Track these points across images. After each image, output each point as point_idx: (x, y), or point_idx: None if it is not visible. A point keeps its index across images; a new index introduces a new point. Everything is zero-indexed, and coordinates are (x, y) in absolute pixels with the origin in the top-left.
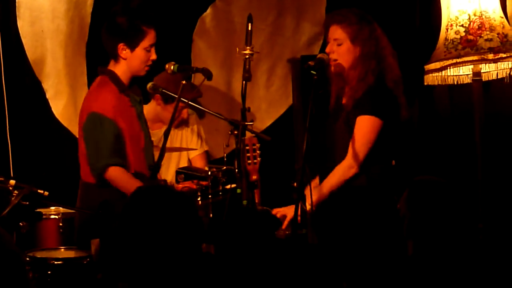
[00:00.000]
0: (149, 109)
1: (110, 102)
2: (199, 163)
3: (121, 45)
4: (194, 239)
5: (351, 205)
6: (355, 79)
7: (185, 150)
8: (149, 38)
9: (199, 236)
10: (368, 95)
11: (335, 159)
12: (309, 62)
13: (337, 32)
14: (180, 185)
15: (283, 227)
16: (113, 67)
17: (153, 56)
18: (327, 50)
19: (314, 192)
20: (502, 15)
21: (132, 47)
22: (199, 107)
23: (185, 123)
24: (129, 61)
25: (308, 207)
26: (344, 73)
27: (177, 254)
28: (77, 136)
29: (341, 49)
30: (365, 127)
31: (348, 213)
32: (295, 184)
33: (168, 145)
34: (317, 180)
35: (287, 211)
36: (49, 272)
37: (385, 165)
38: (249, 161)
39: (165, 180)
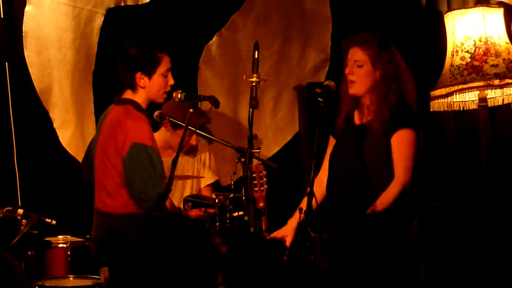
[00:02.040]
0: (158, 136)
1: (147, 130)
2: (209, 193)
3: (138, 74)
4: (210, 269)
5: (365, 233)
6: (376, 101)
7: (193, 178)
8: (165, 63)
9: (215, 266)
10: (395, 112)
11: (348, 178)
12: (316, 89)
13: (358, 54)
14: (193, 213)
15: (287, 244)
16: (131, 96)
17: (171, 81)
18: (346, 71)
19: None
20: (508, 40)
21: (150, 74)
22: (207, 135)
23: (194, 150)
24: (148, 89)
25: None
26: (362, 95)
27: (192, 284)
28: None
29: (361, 71)
30: (405, 143)
31: (361, 241)
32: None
33: (176, 173)
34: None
35: (285, 233)
36: None
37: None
38: (256, 189)
39: (180, 208)
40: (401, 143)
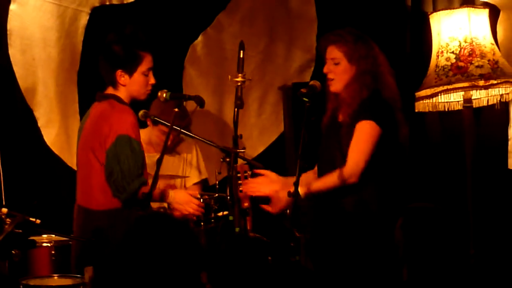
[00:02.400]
0: (146, 132)
1: (132, 122)
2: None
3: (119, 72)
4: (194, 268)
5: (346, 231)
6: (350, 95)
7: (178, 177)
8: (146, 63)
9: (199, 265)
10: (364, 104)
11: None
12: (302, 89)
13: (333, 52)
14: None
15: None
16: (113, 92)
17: (152, 81)
18: (324, 70)
19: (301, 185)
20: (493, 41)
21: (130, 72)
22: (191, 134)
23: (172, 150)
24: (129, 87)
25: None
26: (340, 92)
27: (176, 283)
28: (70, 164)
29: (338, 69)
30: (363, 133)
31: (343, 240)
32: (287, 212)
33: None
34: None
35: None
36: None
37: (378, 186)
38: (241, 188)
39: (164, 208)
40: (358, 133)
